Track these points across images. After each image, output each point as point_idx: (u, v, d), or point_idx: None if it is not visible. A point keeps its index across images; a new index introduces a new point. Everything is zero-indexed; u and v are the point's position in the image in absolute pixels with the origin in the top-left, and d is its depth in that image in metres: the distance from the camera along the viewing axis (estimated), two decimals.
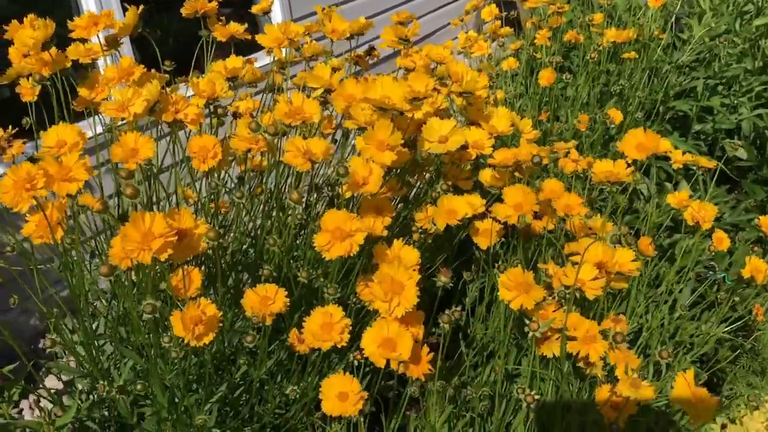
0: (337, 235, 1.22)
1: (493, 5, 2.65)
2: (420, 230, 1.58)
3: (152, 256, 1.03)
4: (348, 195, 1.29)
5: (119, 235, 1.05)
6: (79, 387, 1.72)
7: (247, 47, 1.95)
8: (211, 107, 1.38)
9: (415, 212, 1.60)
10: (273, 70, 1.95)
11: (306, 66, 1.95)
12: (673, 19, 2.95)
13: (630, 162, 1.46)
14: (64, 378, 1.69)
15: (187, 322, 1.19)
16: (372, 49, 2.13)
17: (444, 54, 1.86)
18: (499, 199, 1.65)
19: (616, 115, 2.39)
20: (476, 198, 1.64)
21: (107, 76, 1.35)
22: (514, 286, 1.25)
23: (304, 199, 1.26)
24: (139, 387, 1.28)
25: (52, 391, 1.62)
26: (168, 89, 1.96)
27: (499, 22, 2.83)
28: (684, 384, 1.07)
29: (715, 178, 2.25)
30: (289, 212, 1.27)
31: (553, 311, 1.33)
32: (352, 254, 1.22)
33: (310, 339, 1.27)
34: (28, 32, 1.29)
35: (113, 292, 1.71)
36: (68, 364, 1.76)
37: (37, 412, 1.91)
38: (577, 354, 1.29)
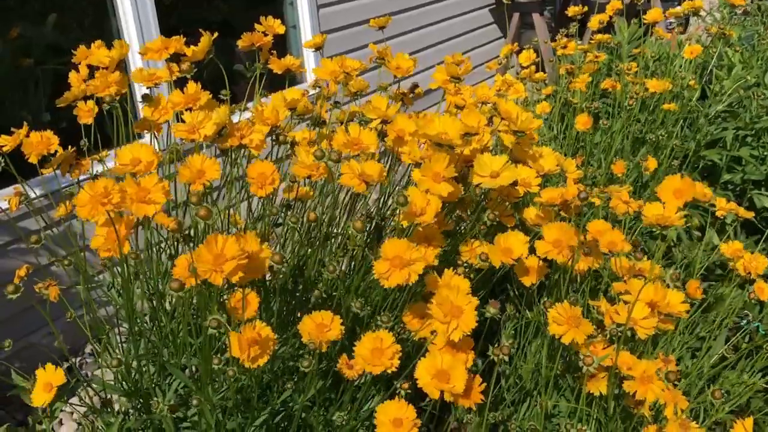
0: (397, 263, 1.24)
1: (531, 50, 2.71)
2: (465, 264, 1.60)
3: (223, 278, 1.05)
4: (405, 224, 1.32)
5: (188, 255, 1.08)
6: (116, 407, 1.73)
7: (276, 80, 2.00)
8: (273, 135, 1.42)
9: (460, 246, 1.62)
10: (319, 104, 2.00)
11: (351, 101, 2.00)
12: (708, 69, 3.00)
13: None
14: (101, 396, 1.70)
15: (243, 343, 1.21)
16: (415, 86, 2.18)
17: (489, 94, 1.91)
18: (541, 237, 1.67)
19: (651, 163, 2.41)
20: (520, 235, 1.66)
21: (173, 101, 1.39)
22: (564, 320, 1.26)
23: (365, 227, 1.28)
24: (194, 402, 1.29)
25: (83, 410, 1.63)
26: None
27: (534, 67, 2.89)
28: None
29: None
30: (352, 241, 1.29)
31: (603, 348, 1.34)
32: (410, 282, 1.24)
33: (360, 363, 1.28)
34: (104, 52, 1.34)
35: (152, 313, 1.73)
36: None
37: (71, 425, 1.92)
38: (625, 393, 1.30)
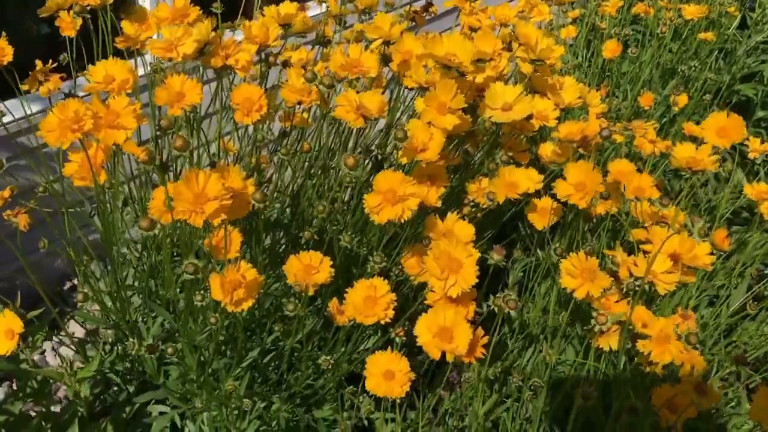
0: (389, 197, 1.12)
1: None
2: (472, 203, 1.48)
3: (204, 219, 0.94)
4: (405, 161, 1.19)
5: (164, 190, 0.96)
6: (103, 338, 1.67)
7: None
8: (263, 54, 1.28)
9: (467, 183, 1.50)
10: (324, 21, 1.84)
11: (359, 19, 1.84)
12: None
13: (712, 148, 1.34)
14: (89, 327, 1.63)
15: (226, 285, 1.11)
16: (430, 4, 2.00)
17: (509, 15, 1.74)
18: (558, 176, 1.54)
19: (681, 99, 2.24)
20: (534, 173, 1.53)
21: (159, 15, 1.25)
22: (578, 273, 1.14)
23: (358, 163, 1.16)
24: (170, 350, 1.20)
25: (75, 339, 1.57)
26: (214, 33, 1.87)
27: None
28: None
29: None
30: (344, 178, 1.17)
31: (615, 302, 1.23)
32: (403, 219, 1.13)
33: (351, 312, 1.19)
34: None
35: (144, 242, 1.64)
36: (93, 313, 1.71)
37: (59, 358, 1.86)
38: (640, 352, 1.19)
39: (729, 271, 2.02)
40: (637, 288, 1.15)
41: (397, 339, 1.26)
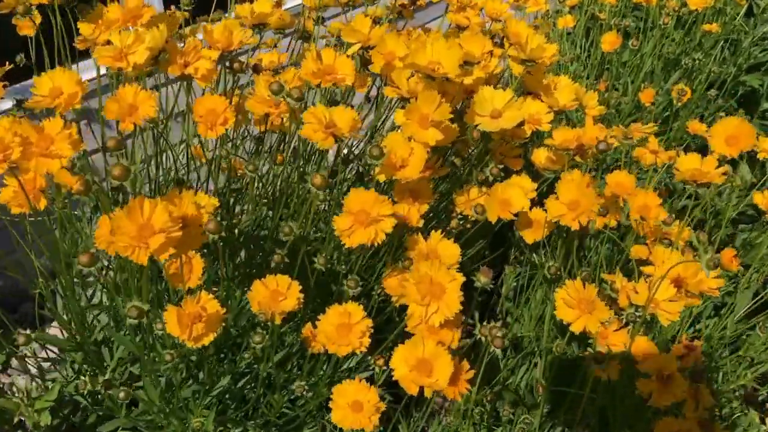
0: (362, 219, 1.02)
1: None
2: (459, 216, 1.37)
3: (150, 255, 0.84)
4: (382, 179, 1.08)
5: (107, 221, 0.86)
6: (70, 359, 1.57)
7: None
8: (227, 62, 1.16)
9: (455, 194, 1.39)
10: (304, 15, 1.73)
11: (342, 13, 1.72)
12: None
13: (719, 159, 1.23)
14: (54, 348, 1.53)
15: (184, 319, 1.01)
16: None
17: (501, 9, 1.62)
18: (554, 182, 1.44)
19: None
20: (527, 180, 1.42)
21: (109, 17, 1.13)
22: (576, 304, 1.04)
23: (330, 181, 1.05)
24: (122, 395, 1.10)
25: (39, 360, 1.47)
26: (188, 30, 1.76)
27: None
28: None
29: None
30: (311, 195, 1.06)
31: (614, 331, 1.13)
32: (376, 243, 1.02)
33: (323, 341, 1.09)
34: None
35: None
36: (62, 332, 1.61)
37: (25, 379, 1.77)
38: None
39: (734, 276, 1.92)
40: (637, 318, 1.05)
41: (377, 368, 1.16)
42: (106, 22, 1.12)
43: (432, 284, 0.98)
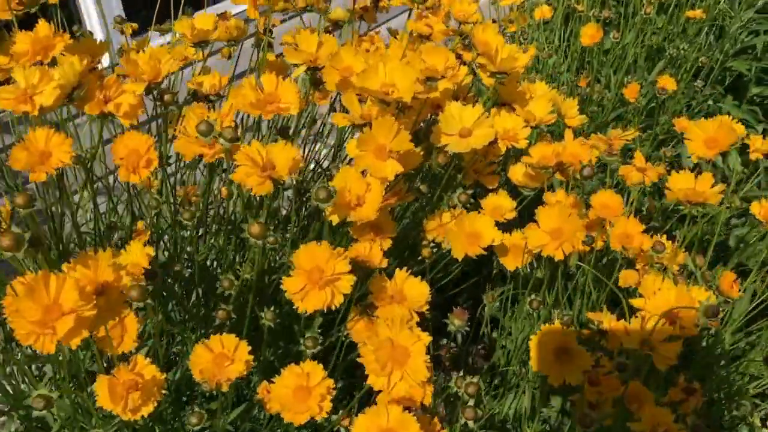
0: (315, 278, 0.89)
1: None
2: (431, 244, 1.25)
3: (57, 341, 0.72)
4: (335, 221, 0.96)
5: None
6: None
7: None
8: (155, 92, 1.03)
9: (425, 221, 1.27)
10: (258, 23, 1.59)
11: (300, 19, 1.59)
12: None
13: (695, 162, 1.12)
14: None
15: (117, 389, 0.88)
16: None
17: (469, 11, 1.49)
18: (535, 199, 1.32)
19: (668, 83, 2.01)
20: (505, 198, 1.30)
21: (17, 50, 0.99)
22: (551, 353, 0.92)
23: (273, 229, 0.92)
24: None
25: None
26: (134, 43, 1.62)
27: None
28: None
29: None
30: (252, 253, 0.94)
31: (604, 375, 1.01)
32: (333, 306, 0.90)
33: (277, 407, 0.96)
34: None
35: None
36: None
37: None
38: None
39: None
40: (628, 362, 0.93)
41: (342, 430, 1.04)
42: (16, 54, 0.98)
43: (394, 348, 0.86)
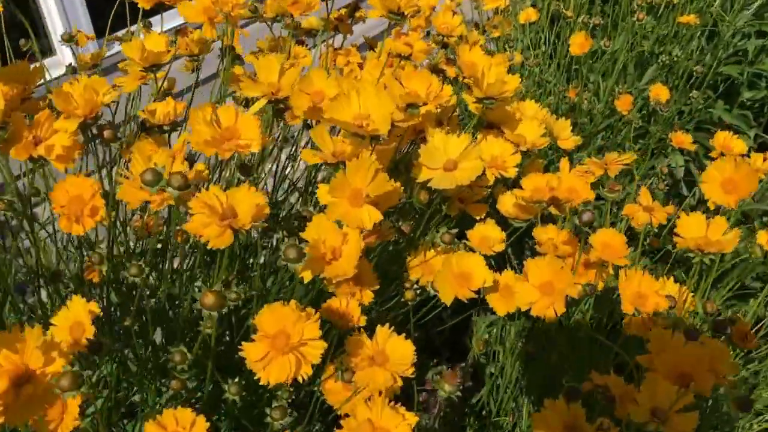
0: (280, 344, 0.76)
1: None
2: (415, 286, 1.13)
3: None
4: (308, 278, 0.83)
5: None
6: None
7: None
8: (93, 129, 0.89)
9: (408, 259, 1.15)
10: (224, 31, 1.46)
11: (269, 29, 1.45)
12: None
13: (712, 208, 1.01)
14: None
15: None
16: (356, 6, 1.62)
17: (453, 24, 1.36)
18: (527, 231, 1.21)
19: (661, 92, 1.91)
20: (493, 229, 1.19)
21: None
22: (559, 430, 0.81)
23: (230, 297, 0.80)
24: None
25: None
26: (89, 55, 1.47)
27: None
28: None
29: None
30: (205, 323, 0.81)
31: None
32: (300, 378, 0.77)
33: None
34: None
35: None
36: None
37: None
38: None
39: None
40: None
41: None
42: None
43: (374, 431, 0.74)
